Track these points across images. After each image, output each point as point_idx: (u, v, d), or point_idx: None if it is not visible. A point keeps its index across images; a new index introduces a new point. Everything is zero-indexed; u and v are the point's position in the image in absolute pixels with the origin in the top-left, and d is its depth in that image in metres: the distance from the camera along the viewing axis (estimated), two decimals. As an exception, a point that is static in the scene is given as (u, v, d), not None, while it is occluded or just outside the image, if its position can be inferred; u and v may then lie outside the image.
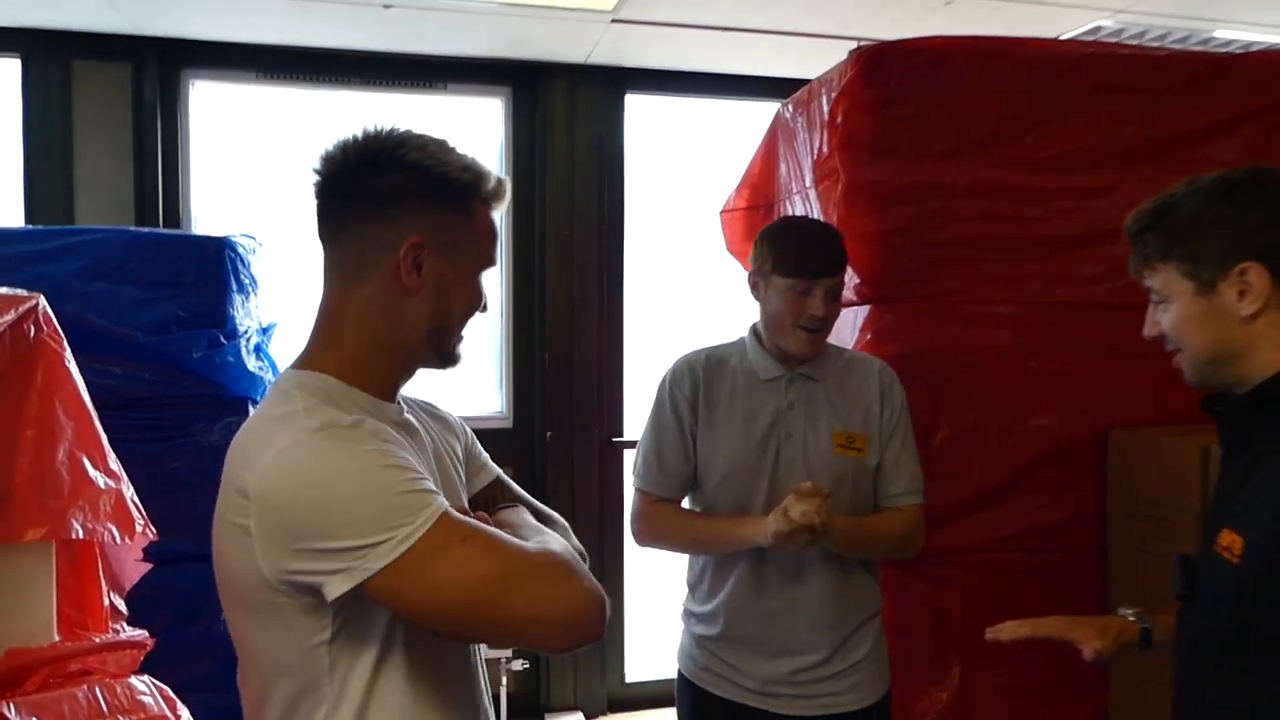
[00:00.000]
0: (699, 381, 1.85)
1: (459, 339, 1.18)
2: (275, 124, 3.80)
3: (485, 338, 4.05)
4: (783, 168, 2.61)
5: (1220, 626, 1.21)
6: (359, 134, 1.10)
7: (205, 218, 3.72)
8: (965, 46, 2.15)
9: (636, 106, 4.06)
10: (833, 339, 2.33)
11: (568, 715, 3.91)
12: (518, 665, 3.90)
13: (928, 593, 2.18)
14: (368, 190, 1.09)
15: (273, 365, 2.53)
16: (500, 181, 1.16)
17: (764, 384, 1.83)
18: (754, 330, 1.89)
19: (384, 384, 1.13)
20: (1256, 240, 1.18)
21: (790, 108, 2.54)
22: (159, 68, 3.58)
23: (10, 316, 1.34)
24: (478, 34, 3.52)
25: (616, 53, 3.74)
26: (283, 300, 3.19)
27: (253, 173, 3.76)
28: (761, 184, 2.77)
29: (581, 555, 1.16)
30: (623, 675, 4.05)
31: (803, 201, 2.43)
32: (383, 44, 3.65)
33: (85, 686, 1.20)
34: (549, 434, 3.89)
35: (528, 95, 3.93)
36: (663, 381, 1.89)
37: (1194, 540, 1.46)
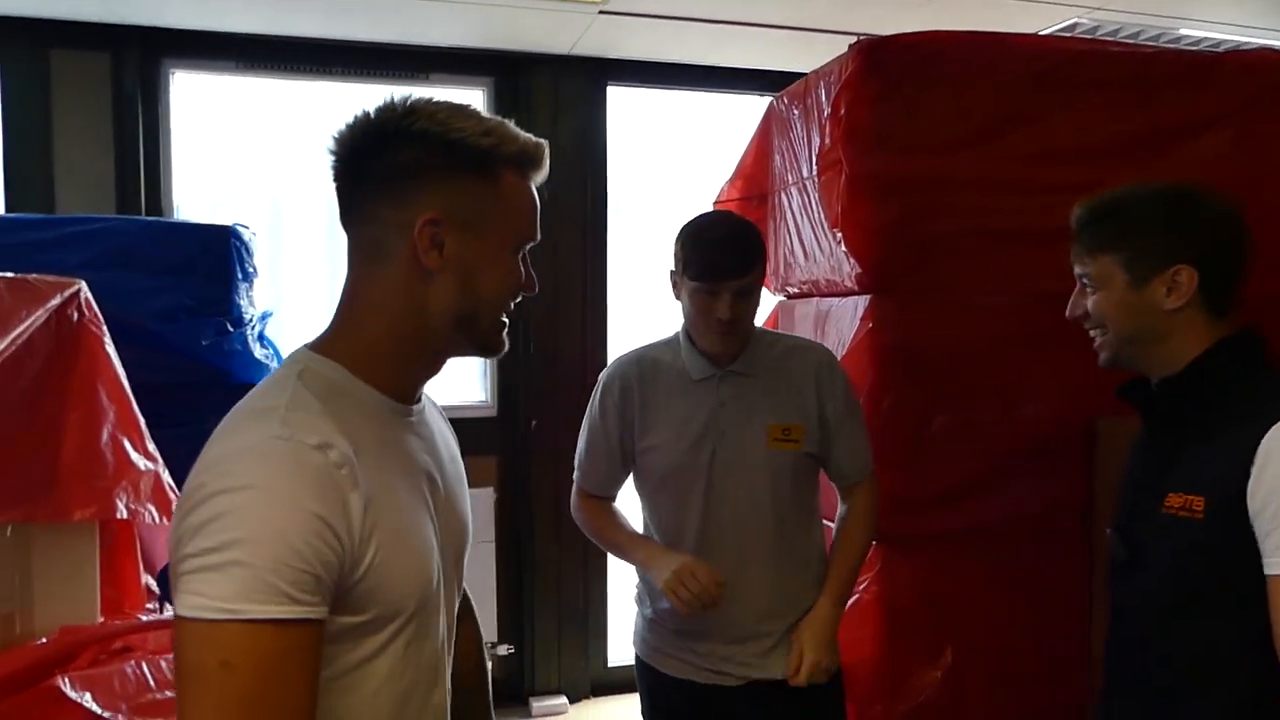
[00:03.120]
0: (631, 387, 1.87)
1: (499, 324, 1.06)
2: (256, 112, 3.78)
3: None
4: (777, 159, 2.66)
5: (1182, 583, 1.33)
6: (370, 109, 1.01)
7: (187, 208, 3.69)
8: (962, 41, 2.21)
9: (619, 99, 4.09)
10: (831, 327, 2.42)
11: (552, 699, 3.95)
12: (503, 650, 3.94)
13: (921, 574, 2.25)
14: (379, 168, 1.00)
15: (276, 353, 2.53)
16: (533, 144, 1.04)
17: (696, 384, 1.84)
18: (685, 329, 1.89)
19: (401, 379, 1.05)
20: (1194, 247, 1.36)
21: (785, 100, 2.59)
22: (139, 57, 3.54)
23: (55, 301, 1.35)
24: (462, 24, 3.53)
25: (600, 44, 3.76)
26: (269, 289, 3.19)
27: (234, 163, 3.74)
28: (755, 175, 2.83)
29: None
30: (605, 659, 4.11)
31: (800, 192, 2.49)
32: (364, 34, 3.64)
33: (132, 662, 1.21)
34: (533, 422, 3.93)
35: (510, 86, 3.94)
36: (598, 385, 1.92)
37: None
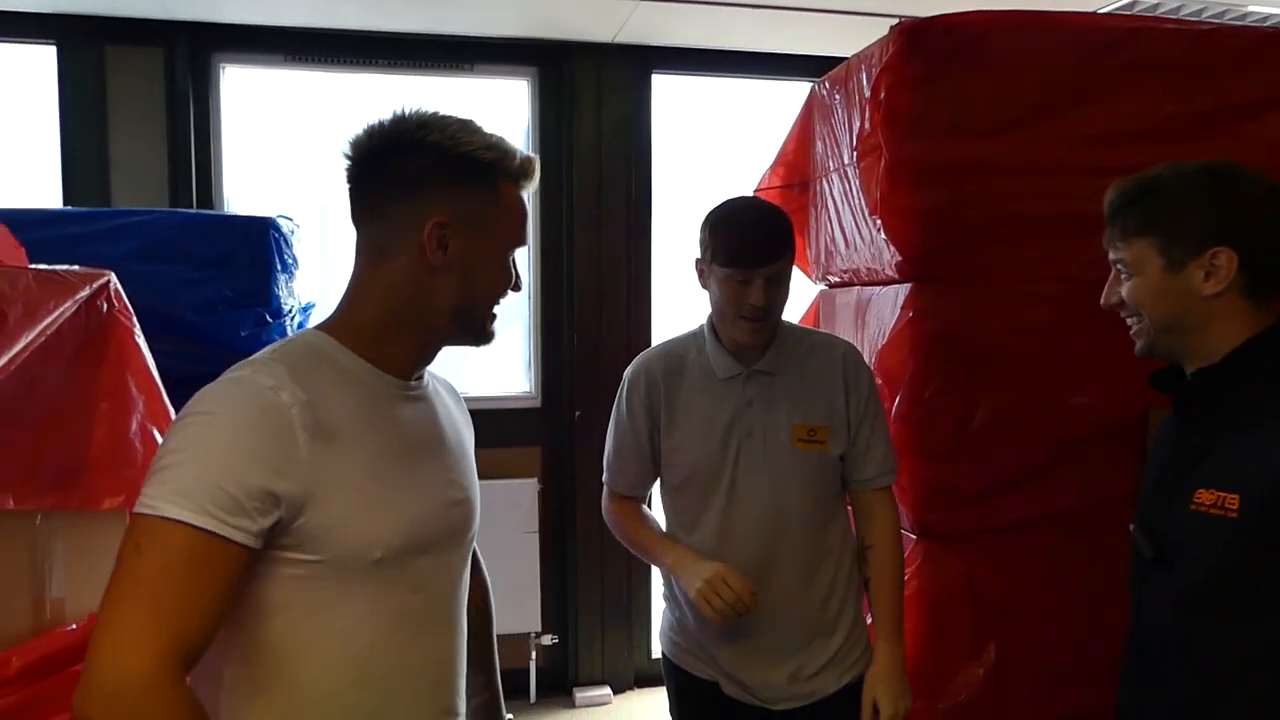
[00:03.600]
0: (657, 385, 1.82)
1: (490, 317, 1.19)
2: (304, 107, 3.83)
3: (514, 318, 4.08)
4: (819, 145, 2.61)
5: (1219, 582, 1.26)
6: (385, 118, 1.12)
7: (238, 200, 3.76)
8: (1007, 21, 2.14)
9: (663, 86, 4.06)
10: (871, 317, 2.36)
11: (595, 689, 3.96)
12: (547, 640, 3.95)
13: (964, 569, 2.19)
14: (392, 173, 1.11)
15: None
16: (527, 159, 1.16)
17: (722, 383, 1.79)
18: (710, 323, 1.85)
19: (396, 358, 1.15)
20: (1234, 228, 1.28)
21: (827, 85, 2.54)
22: (190, 52, 3.61)
23: (85, 293, 1.37)
24: (506, 14, 3.53)
25: (643, 32, 3.74)
26: (316, 281, 3.23)
27: (283, 155, 3.80)
28: (796, 162, 2.78)
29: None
30: (649, 650, 4.10)
31: (840, 179, 2.43)
32: (409, 25, 3.66)
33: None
34: (577, 413, 3.93)
35: (554, 76, 3.94)
36: (622, 383, 1.88)
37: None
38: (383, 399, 1.13)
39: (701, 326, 1.87)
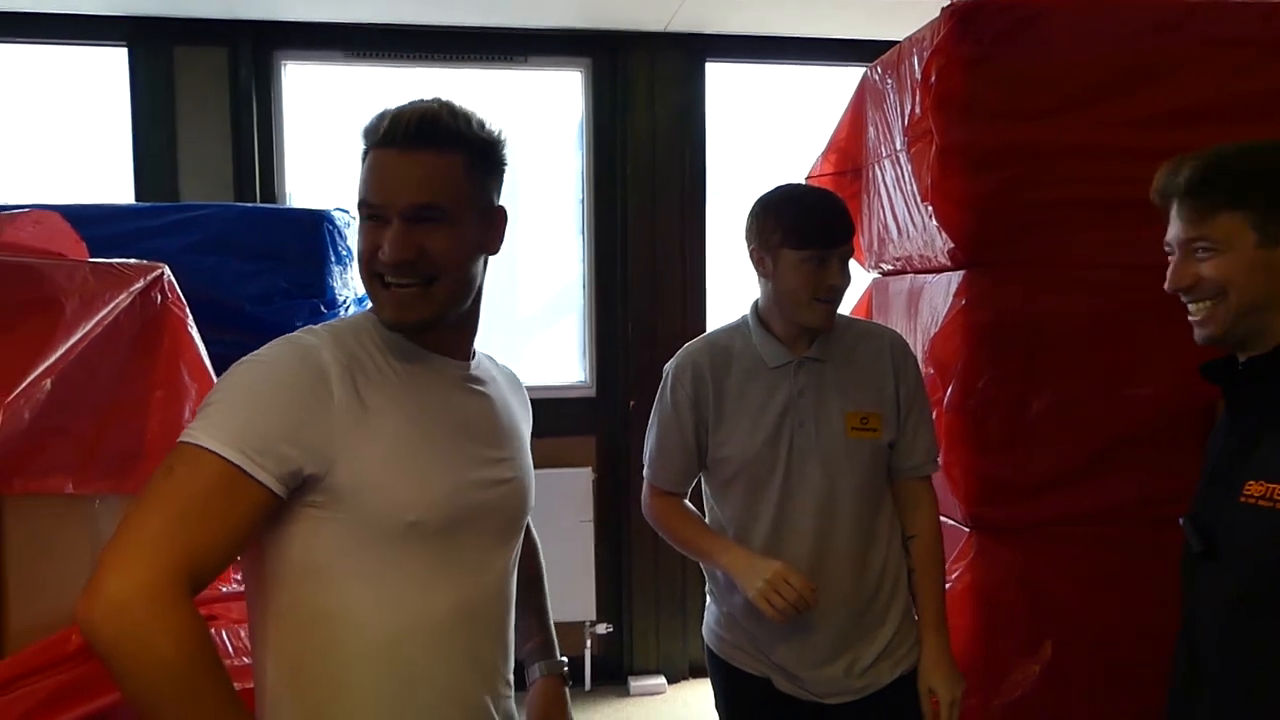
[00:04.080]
0: (704, 378, 1.78)
1: (374, 292, 1.15)
2: (363, 101, 3.90)
3: (568, 308, 4.10)
4: (871, 131, 2.57)
5: (1260, 575, 1.22)
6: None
7: (299, 193, 3.85)
8: (1065, 1, 2.08)
9: (716, 74, 4.04)
10: (924, 305, 2.32)
11: (650, 678, 3.97)
12: (602, 629, 3.98)
13: (1021, 564, 2.14)
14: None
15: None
16: (378, 117, 1.13)
17: (772, 371, 1.76)
18: (756, 313, 1.82)
19: (440, 340, 1.18)
20: None
21: (879, 70, 2.50)
22: (253, 50, 3.70)
23: (140, 285, 1.41)
24: (560, 5, 3.55)
25: (696, 20, 3.72)
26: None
27: (343, 149, 3.87)
28: (848, 149, 2.74)
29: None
30: (703, 641, 4.08)
31: (892, 165, 2.39)
32: (465, 19, 3.70)
33: (212, 630, 1.27)
34: (631, 402, 3.93)
35: (608, 66, 3.94)
36: (665, 376, 1.84)
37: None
38: (427, 374, 1.16)
39: (744, 318, 1.84)
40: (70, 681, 1.24)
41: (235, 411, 1.01)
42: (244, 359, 1.07)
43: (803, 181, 2.14)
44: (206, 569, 0.97)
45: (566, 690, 1.45)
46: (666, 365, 1.85)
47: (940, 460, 1.86)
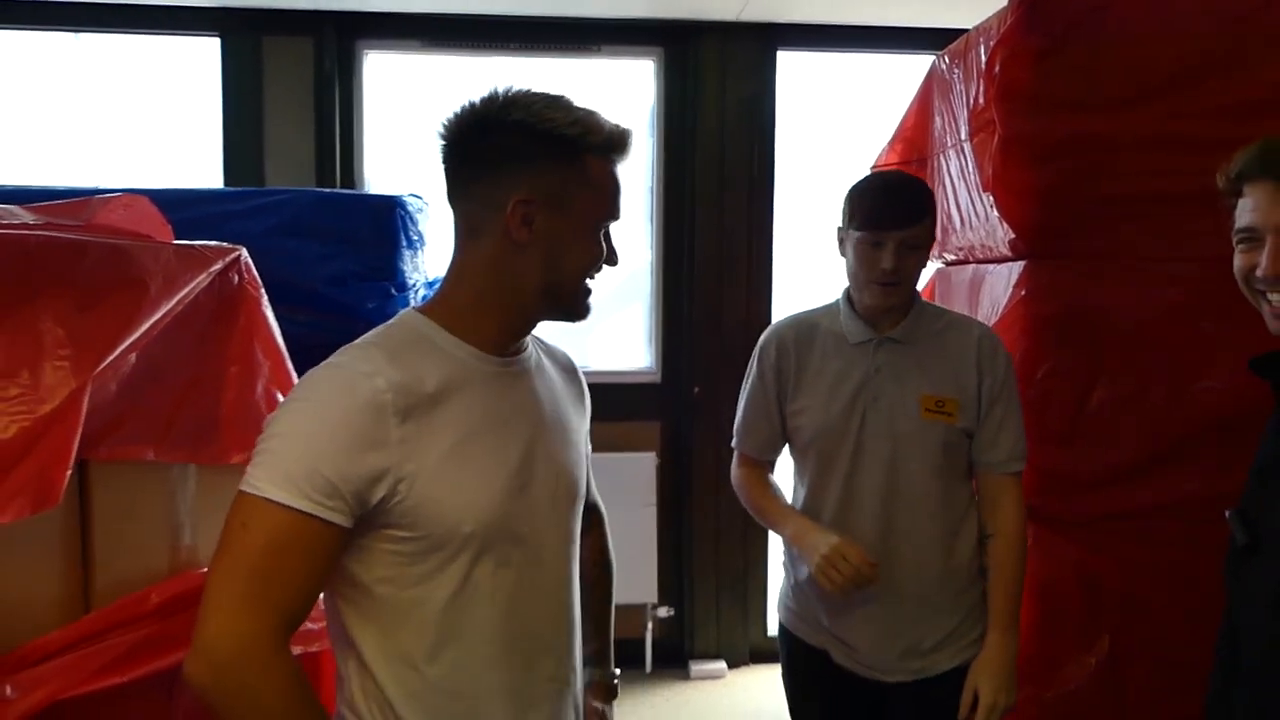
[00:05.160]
0: (789, 349, 1.86)
1: (584, 292, 1.19)
2: (441, 89, 4.00)
3: (635, 295, 4.15)
4: (937, 121, 2.55)
5: None
6: (476, 99, 1.14)
7: (378, 180, 3.97)
8: (1134, -9, 2.04)
9: (788, 63, 4.03)
10: (985, 295, 2.31)
11: (711, 663, 4.01)
12: (663, 613, 4.03)
13: (1079, 557, 2.12)
14: (477, 153, 1.13)
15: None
16: (616, 131, 1.15)
17: (852, 348, 1.81)
18: (846, 293, 1.88)
19: (487, 335, 1.17)
20: None
21: (946, 59, 2.48)
22: (336, 40, 3.82)
23: (218, 266, 1.50)
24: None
25: (767, 9, 3.72)
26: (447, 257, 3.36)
27: (420, 136, 3.97)
28: (915, 138, 2.72)
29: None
30: (765, 626, 4.12)
31: (957, 155, 2.37)
32: (540, 9, 3.76)
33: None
34: (696, 389, 3.97)
35: (679, 55, 3.96)
36: (757, 347, 1.92)
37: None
38: (476, 377, 1.16)
39: (837, 299, 1.90)
40: (150, 636, 1.33)
41: (296, 455, 1.02)
42: (298, 396, 1.08)
43: (898, 171, 2.13)
44: (298, 613, 1.02)
45: (610, 704, 1.47)
46: (759, 338, 1.94)
47: (1026, 460, 1.85)
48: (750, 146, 3.96)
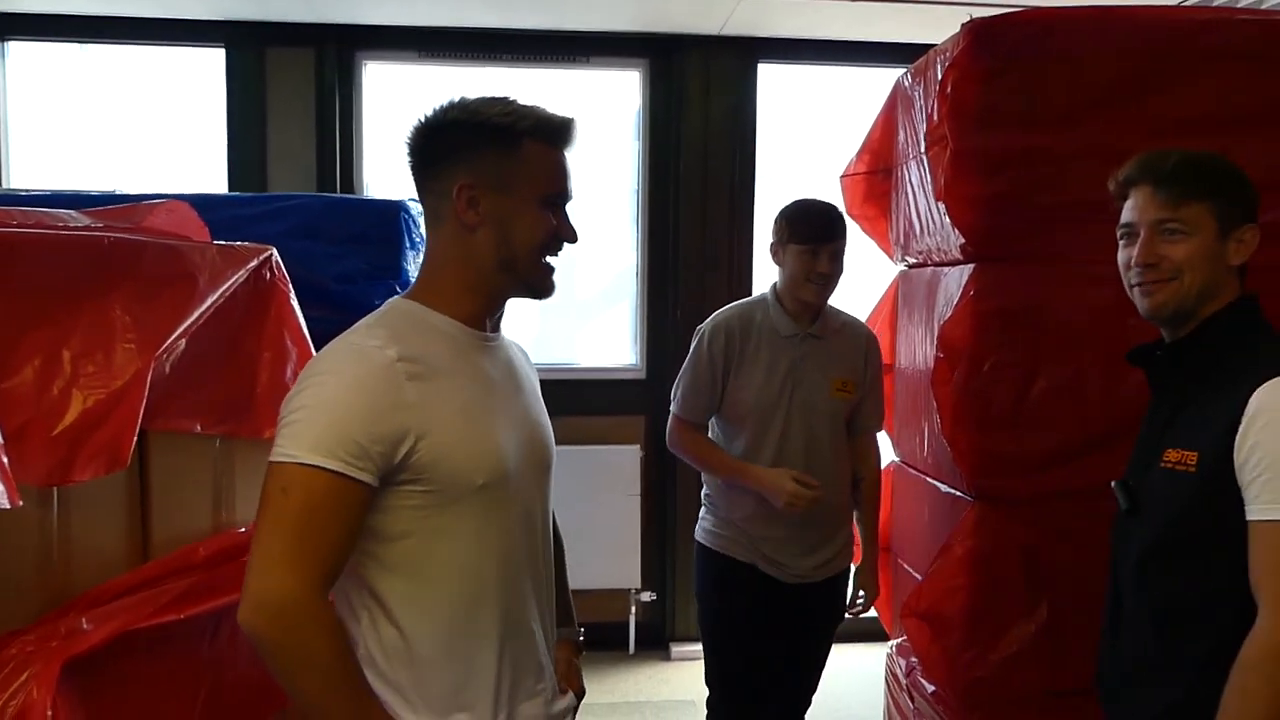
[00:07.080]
0: (735, 337, 2.37)
1: (541, 269, 1.31)
2: (435, 98, 4.17)
3: (622, 295, 4.35)
4: (901, 134, 2.76)
5: (1175, 532, 1.42)
6: (427, 110, 1.29)
7: (376, 184, 4.16)
8: (1078, 16, 2.24)
9: (768, 75, 4.24)
10: (940, 294, 2.52)
11: (690, 644, 4.18)
12: (646, 597, 4.22)
13: (1019, 532, 2.32)
14: (427, 153, 1.29)
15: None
16: (547, 117, 1.27)
17: (783, 339, 2.37)
18: (774, 292, 2.41)
19: (468, 311, 1.30)
20: (1254, 211, 1.47)
21: (910, 76, 2.69)
22: (337, 51, 4.01)
23: (253, 264, 1.70)
24: (617, 8, 3.77)
25: (749, 23, 3.92)
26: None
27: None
28: (881, 149, 2.93)
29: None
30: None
31: (918, 166, 2.59)
32: (530, 23, 3.96)
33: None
34: (679, 385, 4.16)
35: (664, 66, 4.17)
36: (701, 335, 2.42)
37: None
38: (467, 348, 1.30)
39: (764, 295, 2.45)
40: (200, 582, 1.52)
41: (326, 423, 1.13)
42: (316, 370, 1.19)
43: (808, 197, 2.44)
44: (336, 568, 1.15)
45: (578, 657, 1.57)
46: (700, 325, 2.45)
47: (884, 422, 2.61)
48: (732, 154, 4.17)
